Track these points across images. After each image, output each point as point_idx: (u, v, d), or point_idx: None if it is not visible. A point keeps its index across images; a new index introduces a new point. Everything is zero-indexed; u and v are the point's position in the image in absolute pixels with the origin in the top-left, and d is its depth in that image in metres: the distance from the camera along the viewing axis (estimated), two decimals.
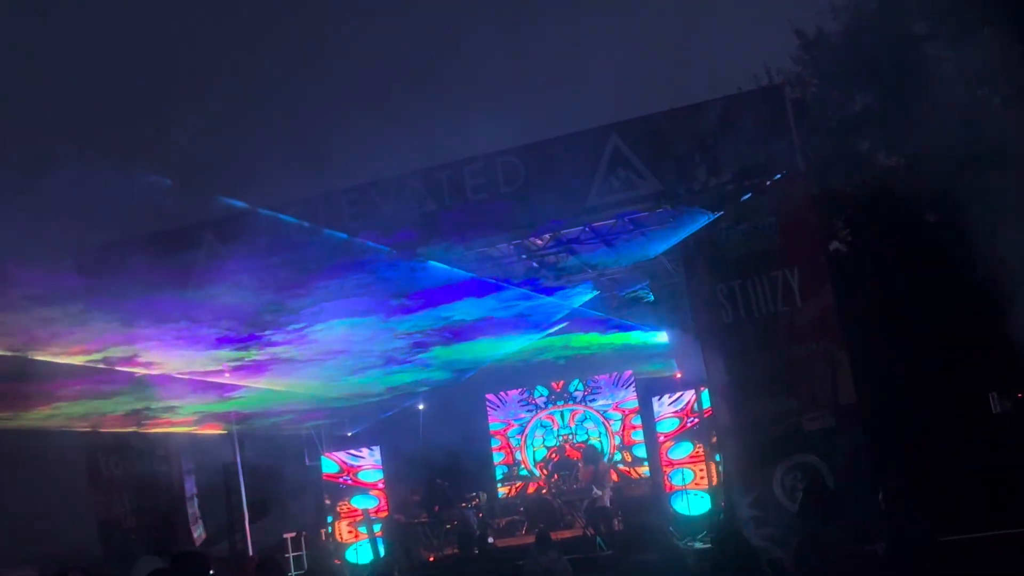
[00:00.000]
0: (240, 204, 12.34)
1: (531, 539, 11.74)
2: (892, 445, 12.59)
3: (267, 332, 12.99)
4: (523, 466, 19.59)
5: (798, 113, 11.48)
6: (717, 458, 14.59)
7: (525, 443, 19.69)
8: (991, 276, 11.28)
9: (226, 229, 12.30)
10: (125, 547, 14.80)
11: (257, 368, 14.29)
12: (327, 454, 18.70)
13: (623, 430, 19.16)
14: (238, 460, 16.80)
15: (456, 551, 14.94)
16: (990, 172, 10.99)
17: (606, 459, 18.57)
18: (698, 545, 13.32)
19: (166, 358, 13.07)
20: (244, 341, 13.11)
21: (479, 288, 12.93)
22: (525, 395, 19.94)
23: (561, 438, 19.42)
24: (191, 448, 16.34)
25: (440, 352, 15.29)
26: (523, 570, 10.60)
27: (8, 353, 11.35)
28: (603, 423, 19.35)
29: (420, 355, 15.26)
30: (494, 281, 13.01)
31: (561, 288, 13.94)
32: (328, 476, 18.47)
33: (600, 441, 19.17)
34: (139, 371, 13.14)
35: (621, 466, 18.89)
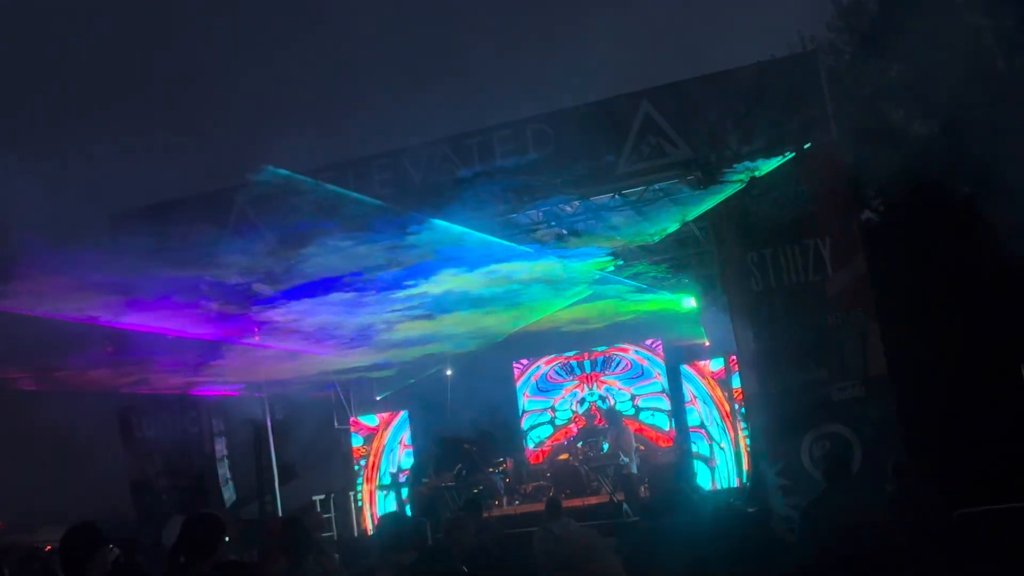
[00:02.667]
0: (271, 170, 12.40)
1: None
2: (921, 416, 12.52)
3: (300, 299, 13.11)
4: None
5: (832, 81, 11.36)
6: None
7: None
8: (1022, 246, 11.18)
9: (257, 194, 12.38)
10: (157, 508, 14.98)
11: (287, 332, 14.46)
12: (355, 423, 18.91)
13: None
14: (268, 423, 16.97)
15: (484, 514, 15.13)
16: None
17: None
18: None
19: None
20: (272, 302, 13.26)
21: (508, 253, 12.92)
22: (554, 362, 19.95)
23: (589, 404, 19.42)
24: (221, 410, 16.47)
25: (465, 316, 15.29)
26: (534, 538, 10.55)
27: None
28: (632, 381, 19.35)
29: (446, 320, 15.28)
30: (525, 247, 13.02)
31: (590, 254, 13.91)
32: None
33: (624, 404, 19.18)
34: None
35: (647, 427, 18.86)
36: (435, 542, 7.80)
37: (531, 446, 19.42)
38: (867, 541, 5.97)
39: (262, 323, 14.14)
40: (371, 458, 19.08)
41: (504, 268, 13.36)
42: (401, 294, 13.60)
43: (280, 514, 16.16)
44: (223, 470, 16.21)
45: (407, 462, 18.65)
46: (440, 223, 11.64)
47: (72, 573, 5.26)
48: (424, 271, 12.94)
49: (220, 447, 16.32)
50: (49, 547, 13.23)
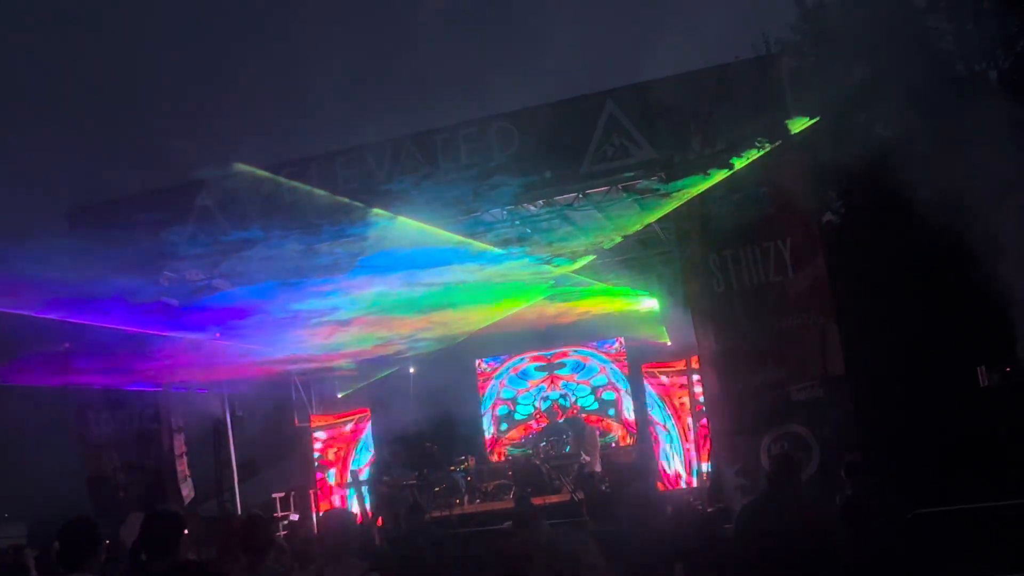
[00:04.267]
0: (233, 164, 12.34)
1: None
2: (879, 416, 12.64)
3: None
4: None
5: (794, 83, 11.43)
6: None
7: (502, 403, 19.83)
8: (982, 250, 11.29)
9: (219, 188, 12.32)
10: (115, 504, 14.79)
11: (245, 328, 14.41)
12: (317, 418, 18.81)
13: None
14: (228, 419, 16.81)
15: (444, 513, 15.09)
16: (984, 146, 10.97)
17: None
18: None
19: None
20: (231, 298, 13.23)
21: (466, 253, 12.95)
22: (514, 360, 19.98)
23: (551, 402, 19.45)
24: (180, 406, 16.31)
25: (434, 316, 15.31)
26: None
27: None
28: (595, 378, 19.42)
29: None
30: (489, 246, 13.03)
31: (552, 253, 13.94)
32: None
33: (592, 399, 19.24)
34: None
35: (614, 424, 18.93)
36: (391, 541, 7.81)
37: (488, 436, 19.47)
38: (801, 546, 5.97)
39: (221, 319, 14.06)
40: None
41: (462, 268, 13.36)
42: (355, 293, 13.58)
43: (239, 511, 16.03)
44: (182, 467, 16.03)
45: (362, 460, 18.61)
46: (402, 220, 11.62)
47: (70, 568, 5.16)
48: (380, 268, 12.92)
49: (179, 443, 16.14)
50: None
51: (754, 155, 11.06)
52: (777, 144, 11.04)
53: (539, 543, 6.69)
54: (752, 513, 6.51)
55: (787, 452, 9.64)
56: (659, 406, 17.13)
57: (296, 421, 18.72)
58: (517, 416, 19.67)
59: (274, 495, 17.16)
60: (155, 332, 13.94)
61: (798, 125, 11.09)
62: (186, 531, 5.50)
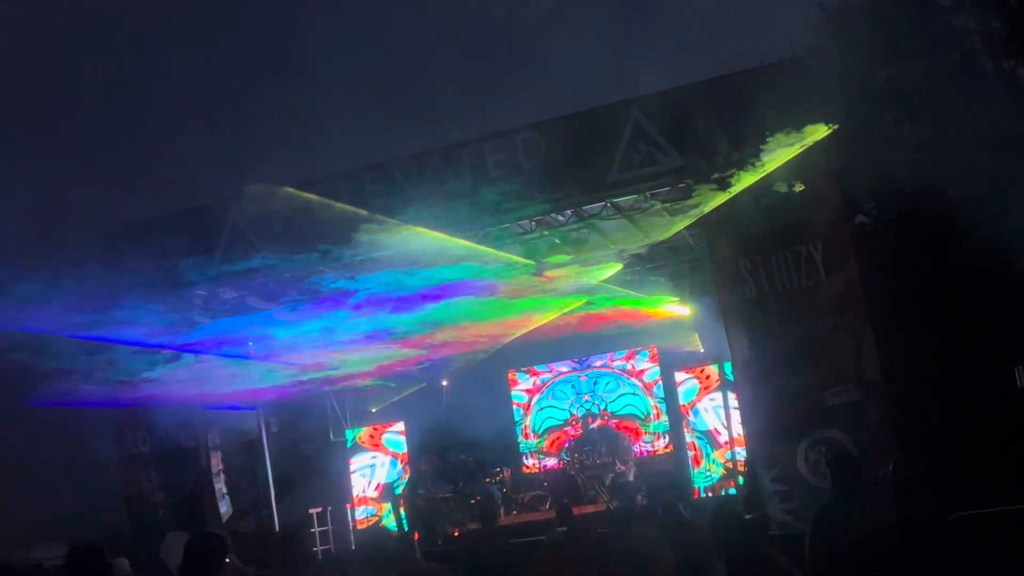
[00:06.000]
0: (263, 183, 12.45)
1: (553, 514, 11.78)
2: (917, 419, 12.52)
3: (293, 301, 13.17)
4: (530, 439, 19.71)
5: (822, 86, 11.37)
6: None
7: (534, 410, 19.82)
8: (1017, 250, 11.18)
9: (249, 207, 12.42)
10: (153, 523, 14.91)
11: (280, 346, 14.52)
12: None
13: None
14: (263, 436, 16.91)
15: (480, 525, 15.09)
16: (1014, 145, 10.87)
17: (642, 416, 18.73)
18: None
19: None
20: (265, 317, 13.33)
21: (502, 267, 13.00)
22: (547, 369, 19.99)
23: (584, 410, 19.40)
24: (217, 424, 16.44)
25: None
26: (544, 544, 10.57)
27: None
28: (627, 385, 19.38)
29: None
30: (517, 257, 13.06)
31: (583, 263, 13.93)
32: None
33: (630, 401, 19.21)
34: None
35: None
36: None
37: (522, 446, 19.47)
38: (877, 550, 5.95)
39: (256, 337, 14.18)
40: None
41: (499, 282, 13.40)
42: (385, 308, 13.66)
43: (276, 528, 16.11)
44: (219, 484, 16.16)
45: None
46: (430, 234, 11.67)
47: None
48: (410, 282, 12.97)
49: (216, 461, 16.27)
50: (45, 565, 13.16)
51: (782, 159, 11.00)
52: (805, 147, 10.98)
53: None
54: (828, 516, 6.47)
55: (845, 453, 9.54)
56: (693, 413, 17.09)
57: (331, 436, 18.82)
58: (551, 426, 19.65)
59: (311, 511, 17.23)
60: (188, 350, 14.07)
61: (825, 129, 11.03)
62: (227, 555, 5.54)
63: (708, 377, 17.24)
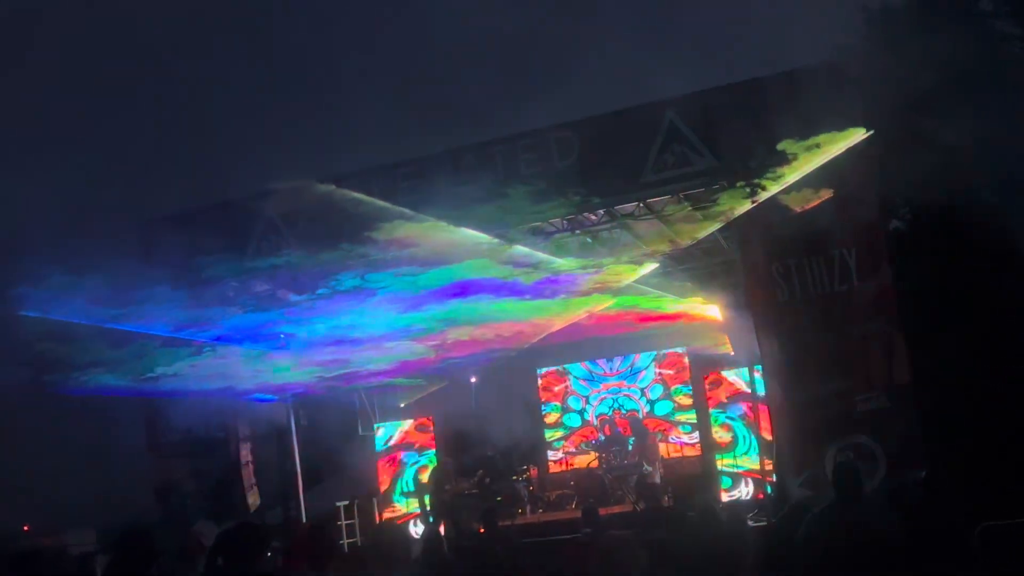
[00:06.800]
0: (298, 178, 12.53)
1: (579, 514, 11.75)
2: (947, 427, 12.42)
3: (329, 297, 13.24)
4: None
5: (860, 89, 11.28)
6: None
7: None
8: None
9: (284, 201, 12.50)
10: (182, 512, 15.07)
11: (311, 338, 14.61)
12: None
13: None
14: (293, 428, 17.03)
15: (506, 523, 15.10)
16: None
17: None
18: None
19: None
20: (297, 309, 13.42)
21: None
22: (576, 368, 19.97)
23: (612, 410, 19.37)
24: (247, 416, 16.57)
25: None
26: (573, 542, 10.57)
27: None
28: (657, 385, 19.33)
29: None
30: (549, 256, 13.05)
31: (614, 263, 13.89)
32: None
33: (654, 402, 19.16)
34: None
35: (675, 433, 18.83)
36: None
37: (549, 444, 19.53)
38: (869, 558, 5.92)
39: (286, 330, 14.28)
40: None
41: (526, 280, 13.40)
42: (416, 304, 13.68)
43: (304, 520, 16.22)
44: (248, 475, 16.29)
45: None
46: (462, 231, 11.68)
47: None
48: (440, 279, 12.99)
49: (245, 452, 16.41)
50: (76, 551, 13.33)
51: (817, 162, 10.93)
52: (841, 152, 10.90)
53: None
54: (819, 522, 6.45)
55: (850, 460, 9.49)
56: (723, 415, 17.02)
57: (360, 430, 18.89)
58: (579, 424, 19.64)
59: (338, 504, 17.32)
60: (219, 341, 14.18)
61: (862, 132, 10.94)
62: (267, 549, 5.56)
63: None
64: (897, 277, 11.05)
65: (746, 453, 16.52)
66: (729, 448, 16.87)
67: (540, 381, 20.01)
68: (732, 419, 16.98)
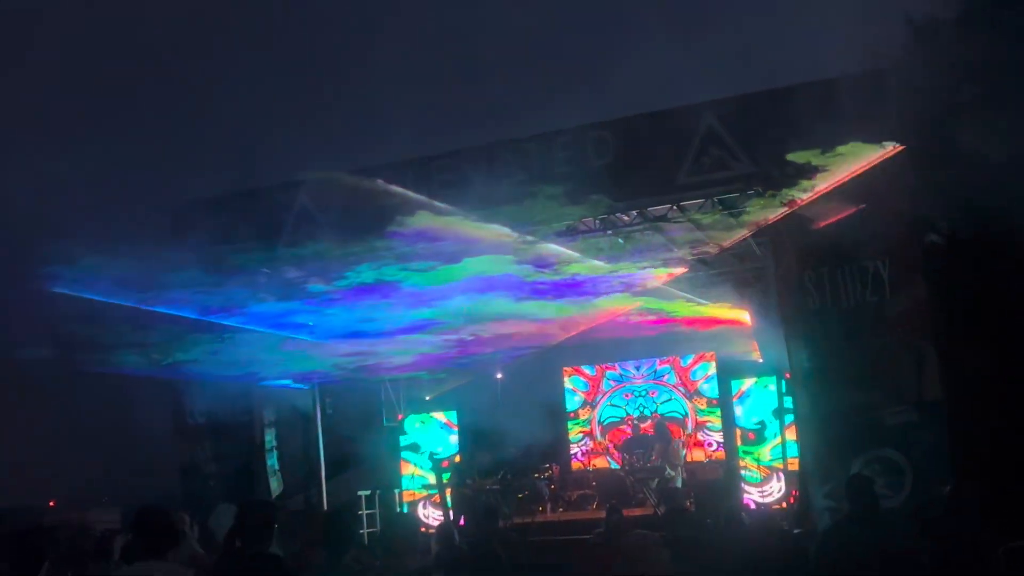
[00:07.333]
0: (333, 167, 12.57)
1: (601, 514, 11.75)
2: (975, 444, 12.26)
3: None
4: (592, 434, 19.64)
5: (900, 100, 11.15)
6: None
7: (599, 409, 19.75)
8: None
9: (318, 190, 12.54)
10: (204, 493, 15.18)
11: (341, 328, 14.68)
12: None
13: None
14: (318, 416, 17.11)
15: (526, 520, 15.12)
16: None
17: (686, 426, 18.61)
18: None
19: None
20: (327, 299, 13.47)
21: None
22: (603, 368, 19.92)
23: (637, 412, 19.31)
24: (273, 401, 16.67)
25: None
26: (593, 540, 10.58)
27: None
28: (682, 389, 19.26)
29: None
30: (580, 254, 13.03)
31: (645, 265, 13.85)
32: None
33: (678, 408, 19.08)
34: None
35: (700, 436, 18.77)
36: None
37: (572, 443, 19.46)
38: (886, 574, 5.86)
39: (314, 318, 14.34)
40: None
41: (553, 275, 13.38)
42: (445, 298, 13.70)
43: (325, 507, 16.29)
44: (271, 460, 16.39)
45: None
46: (493, 228, 11.67)
47: (154, 555, 5.20)
48: (471, 274, 13.00)
49: (270, 437, 16.51)
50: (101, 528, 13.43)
51: (853, 172, 10.83)
52: (878, 162, 10.79)
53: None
54: (836, 536, 6.40)
55: (863, 474, 9.41)
56: (748, 421, 16.94)
57: (384, 420, 18.95)
58: (603, 425, 19.59)
59: (360, 493, 17.38)
60: (247, 325, 14.25)
61: (899, 144, 10.83)
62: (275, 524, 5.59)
63: None
64: (931, 291, 10.90)
65: (772, 443, 16.37)
66: (756, 441, 16.74)
67: (565, 380, 19.99)
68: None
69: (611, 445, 19.25)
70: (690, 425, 18.82)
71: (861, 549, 6.04)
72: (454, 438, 19.23)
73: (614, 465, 18.57)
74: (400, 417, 19.12)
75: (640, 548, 9.34)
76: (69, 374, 15.40)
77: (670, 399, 19.15)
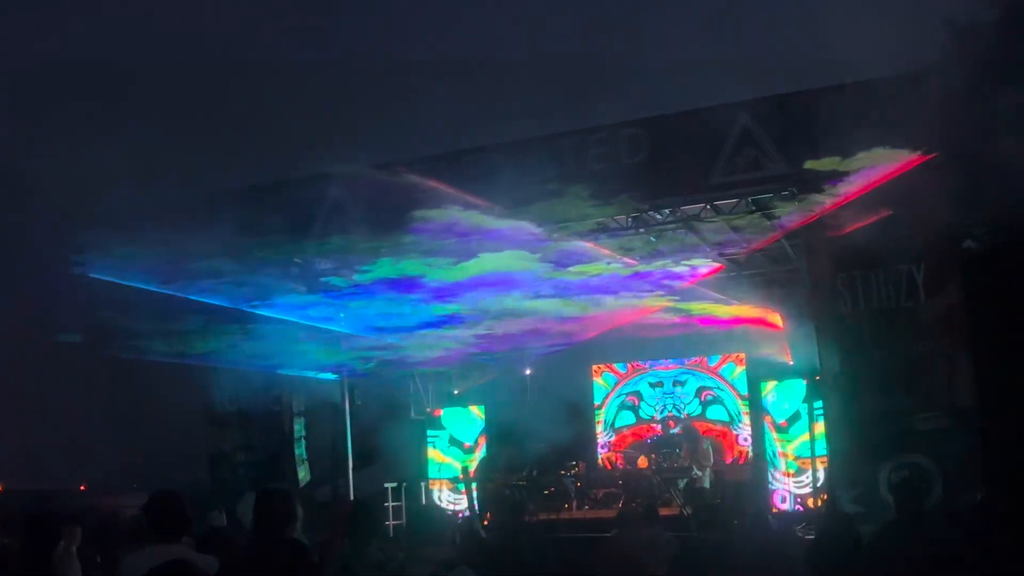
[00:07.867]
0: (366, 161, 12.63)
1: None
2: (1007, 452, 12.14)
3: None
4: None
5: (939, 103, 11.04)
6: None
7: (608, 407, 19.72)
8: None
9: (351, 183, 12.60)
10: (233, 481, 15.27)
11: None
12: None
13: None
14: (347, 407, 17.17)
15: (552, 516, 15.11)
16: None
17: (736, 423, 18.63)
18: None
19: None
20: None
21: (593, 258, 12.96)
22: (632, 367, 19.86)
23: (665, 411, 19.24)
24: (302, 391, 16.74)
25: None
26: (620, 538, 10.51)
27: None
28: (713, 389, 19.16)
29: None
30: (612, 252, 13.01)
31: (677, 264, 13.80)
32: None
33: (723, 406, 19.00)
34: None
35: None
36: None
37: (600, 441, 19.46)
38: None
39: (346, 309, 14.41)
40: None
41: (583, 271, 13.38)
42: (474, 293, 13.72)
43: (352, 498, 16.34)
44: (299, 450, 16.46)
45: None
46: (523, 224, 11.68)
47: (165, 539, 5.24)
48: (501, 269, 13.01)
49: (299, 427, 16.59)
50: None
51: (889, 175, 10.73)
52: (914, 166, 10.69)
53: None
54: (884, 540, 6.34)
55: (910, 478, 9.33)
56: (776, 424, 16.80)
57: (413, 413, 19.00)
58: (631, 423, 19.53)
59: (387, 485, 17.44)
60: (279, 315, 14.34)
61: (936, 148, 10.72)
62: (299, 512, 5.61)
63: None
64: (966, 297, 10.80)
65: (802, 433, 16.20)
66: (784, 429, 16.57)
67: (594, 377, 19.94)
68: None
69: (635, 443, 19.16)
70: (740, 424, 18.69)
71: (912, 552, 5.99)
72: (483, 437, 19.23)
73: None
74: (437, 412, 19.12)
75: (648, 547, 9.30)
76: (103, 362, 15.56)
77: (713, 398, 19.00)
